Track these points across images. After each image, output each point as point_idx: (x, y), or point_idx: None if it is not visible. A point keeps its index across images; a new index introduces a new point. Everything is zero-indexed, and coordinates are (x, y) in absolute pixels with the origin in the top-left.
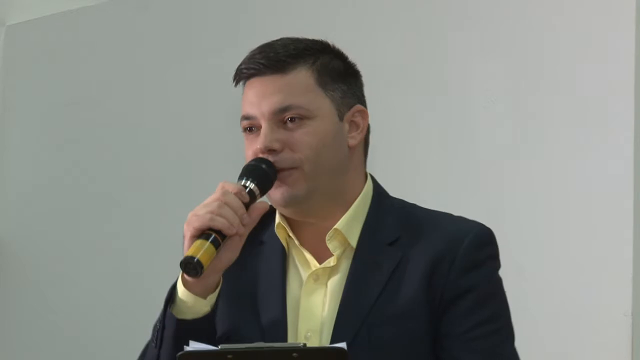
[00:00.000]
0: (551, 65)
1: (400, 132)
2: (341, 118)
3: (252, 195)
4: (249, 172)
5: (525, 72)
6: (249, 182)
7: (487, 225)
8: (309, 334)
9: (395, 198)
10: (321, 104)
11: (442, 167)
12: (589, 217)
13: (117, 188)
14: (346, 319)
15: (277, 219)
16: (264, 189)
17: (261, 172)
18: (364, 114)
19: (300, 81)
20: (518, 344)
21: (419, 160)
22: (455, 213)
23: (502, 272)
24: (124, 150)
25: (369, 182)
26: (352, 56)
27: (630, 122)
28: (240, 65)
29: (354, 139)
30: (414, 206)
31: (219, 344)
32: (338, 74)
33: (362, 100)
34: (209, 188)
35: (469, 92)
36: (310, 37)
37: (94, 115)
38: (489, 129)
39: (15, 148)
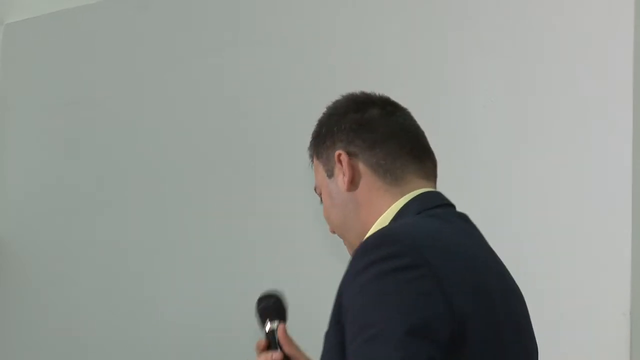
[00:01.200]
0: (551, 65)
1: None
2: (331, 175)
3: (271, 335)
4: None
5: (525, 72)
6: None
7: (486, 224)
8: None
9: (405, 218)
10: (319, 175)
11: (441, 167)
12: (588, 216)
13: (117, 187)
14: None
15: None
16: (274, 315)
17: (261, 311)
18: (340, 157)
19: (314, 165)
20: None
21: None
22: None
23: None
24: (124, 150)
25: (393, 207)
26: (352, 56)
27: (629, 122)
28: None
29: (345, 183)
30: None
31: None
32: (324, 134)
33: (348, 139)
34: (209, 188)
35: (469, 92)
36: (310, 37)
37: (94, 114)
38: (489, 129)
39: (14, 147)
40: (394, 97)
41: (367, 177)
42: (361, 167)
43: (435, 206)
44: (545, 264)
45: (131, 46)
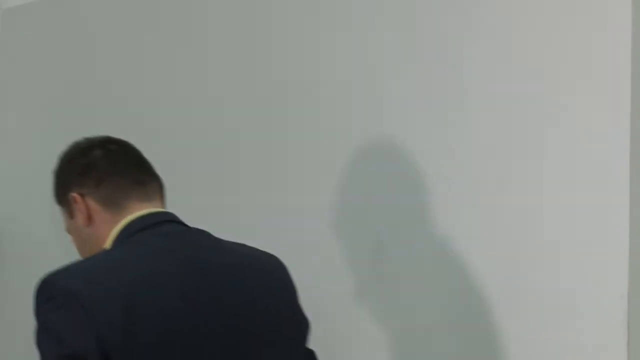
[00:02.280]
0: (549, 62)
1: (397, 130)
2: (72, 216)
3: None
4: None
5: (523, 69)
6: None
7: (483, 208)
8: None
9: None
10: (65, 219)
11: (440, 162)
12: (584, 198)
13: None
14: None
15: None
16: None
17: None
18: (75, 198)
19: (61, 211)
20: (514, 328)
21: (417, 160)
22: (456, 202)
23: (499, 262)
24: (124, 136)
25: (111, 234)
26: (348, 52)
27: (627, 114)
28: None
29: (83, 221)
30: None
31: None
32: (59, 183)
33: (78, 182)
34: (210, 178)
35: (468, 89)
36: (304, 34)
37: (94, 101)
38: (487, 115)
39: (12, 133)
40: (390, 91)
41: (98, 212)
42: (92, 204)
43: (140, 229)
44: (542, 247)
45: (132, 31)
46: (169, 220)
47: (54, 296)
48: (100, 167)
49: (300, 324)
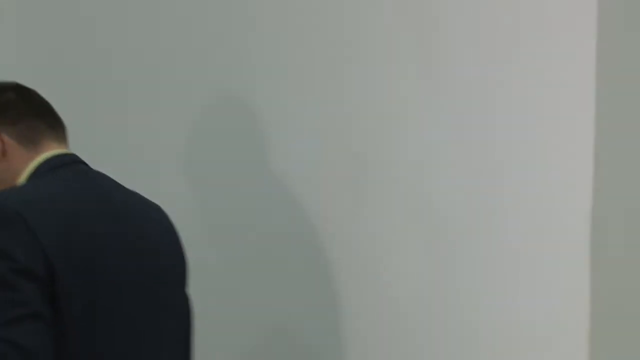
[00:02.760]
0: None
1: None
2: None
3: None
4: None
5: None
6: None
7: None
8: None
9: (33, 179)
10: None
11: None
12: (550, 117)
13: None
14: None
15: None
16: None
17: None
18: None
19: None
20: (477, 243)
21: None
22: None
23: (466, 182)
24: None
25: (29, 168)
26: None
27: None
28: None
29: None
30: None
31: None
32: None
33: None
34: (207, 130)
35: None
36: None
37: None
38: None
39: None
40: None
41: (13, 147)
42: (7, 139)
43: (58, 166)
44: (504, 163)
45: None
46: (82, 162)
47: (1, 217)
48: (16, 107)
49: (187, 266)
